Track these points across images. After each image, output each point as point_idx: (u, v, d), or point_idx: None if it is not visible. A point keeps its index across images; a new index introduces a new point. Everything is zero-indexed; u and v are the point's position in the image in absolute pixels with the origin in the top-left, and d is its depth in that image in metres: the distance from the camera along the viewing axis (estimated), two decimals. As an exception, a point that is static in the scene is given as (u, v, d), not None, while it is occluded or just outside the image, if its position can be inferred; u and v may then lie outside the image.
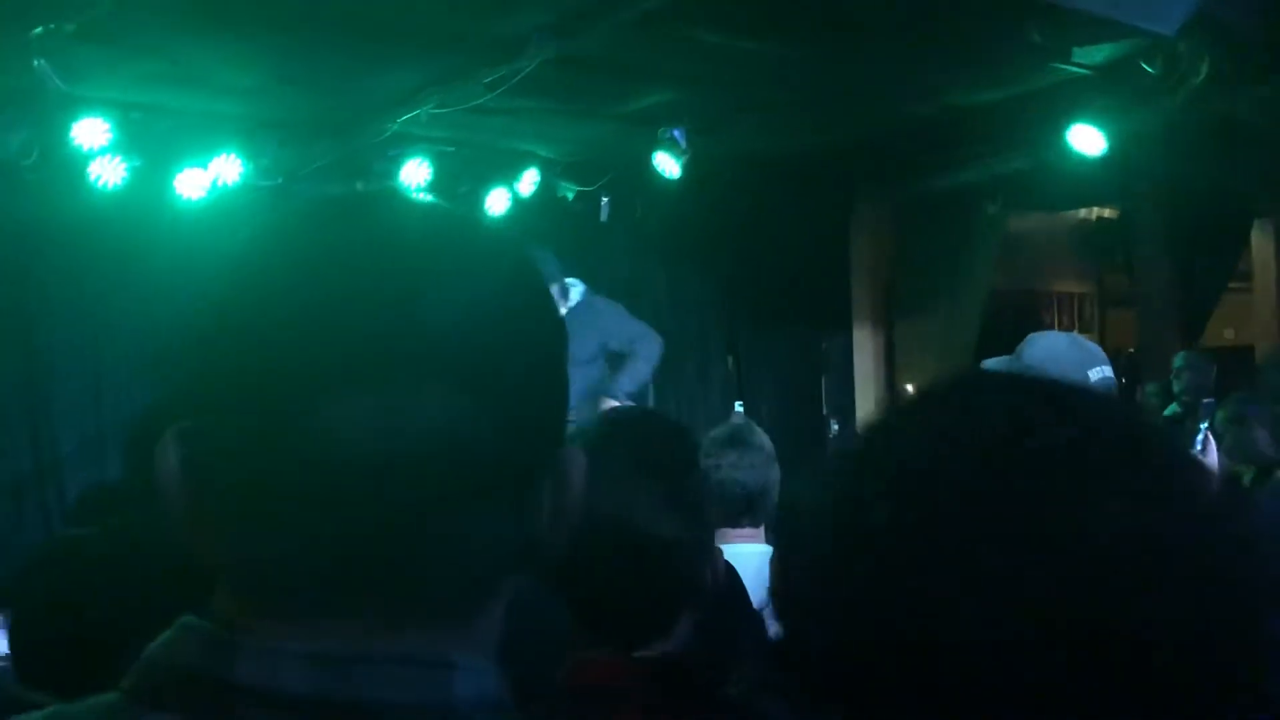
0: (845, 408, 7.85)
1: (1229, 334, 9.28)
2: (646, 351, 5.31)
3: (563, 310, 5.28)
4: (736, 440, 2.60)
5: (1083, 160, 5.88)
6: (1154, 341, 8.22)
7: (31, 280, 5.61)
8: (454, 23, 4.45)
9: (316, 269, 0.57)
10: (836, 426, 6.67)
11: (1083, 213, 9.43)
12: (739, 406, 7.79)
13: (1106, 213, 9.41)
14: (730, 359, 7.78)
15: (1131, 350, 9.52)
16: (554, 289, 5.19)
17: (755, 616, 1.98)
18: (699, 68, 5.23)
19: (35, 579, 2.16)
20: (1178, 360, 6.43)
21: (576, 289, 5.37)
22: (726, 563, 2.24)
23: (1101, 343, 9.94)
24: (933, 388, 0.71)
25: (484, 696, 0.57)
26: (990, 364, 2.59)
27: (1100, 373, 2.36)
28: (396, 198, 0.69)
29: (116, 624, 1.90)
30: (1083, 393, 0.69)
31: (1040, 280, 9.72)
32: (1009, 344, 2.51)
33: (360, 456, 0.54)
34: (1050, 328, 9.72)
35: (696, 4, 4.18)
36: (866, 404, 7.96)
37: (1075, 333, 2.51)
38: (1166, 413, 6.03)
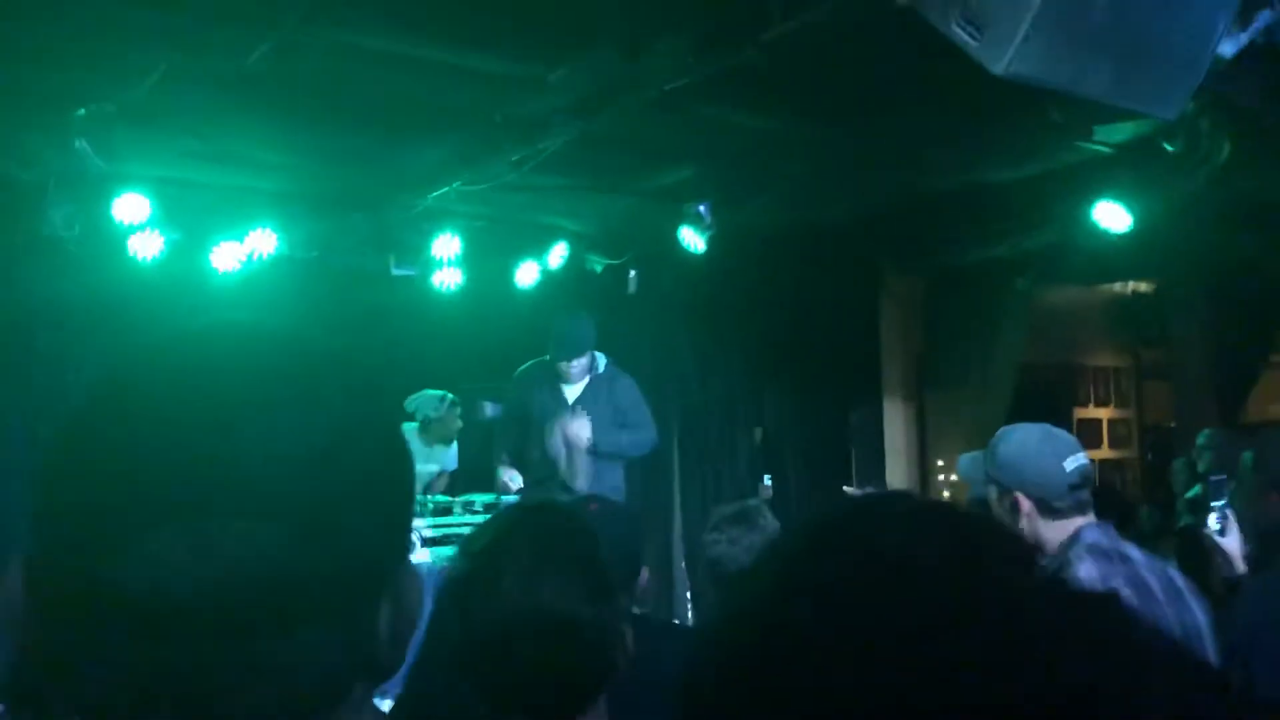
0: (875, 480, 7.79)
1: (1277, 409, 9.09)
2: (642, 441, 5.49)
3: (587, 378, 5.37)
4: (742, 519, 2.62)
5: (1111, 236, 5.87)
6: (1191, 416, 8.10)
7: (71, 351, 5.75)
8: (479, 104, 4.56)
9: (149, 402, 0.60)
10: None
11: (1118, 286, 9.37)
12: (767, 480, 7.77)
13: (1142, 286, 9.35)
14: (758, 431, 7.77)
15: (1173, 424, 9.39)
16: (585, 359, 5.30)
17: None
18: (722, 144, 5.31)
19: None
20: (1201, 438, 6.29)
21: (600, 360, 5.47)
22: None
23: (1139, 417, 9.85)
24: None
25: None
26: (965, 459, 2.59)
27: (1075, 460, 2.35)
28: (247, 328, 0.69)
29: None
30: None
31: (1076, 354, 9.63)
32: (1042, 418, 2.52)
33: (172, 589, 0.56)
34: (1086, 402, 9.62)
35: (715, 84, 4.25)
36: (897, 476, 7.90)
37: (1047, 425, 2.49)
38: (1189, 494, 5.91)
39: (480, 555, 1.25)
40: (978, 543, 0.65)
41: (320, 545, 0.59)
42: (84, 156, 4.52)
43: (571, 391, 5.39)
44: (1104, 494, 3.35)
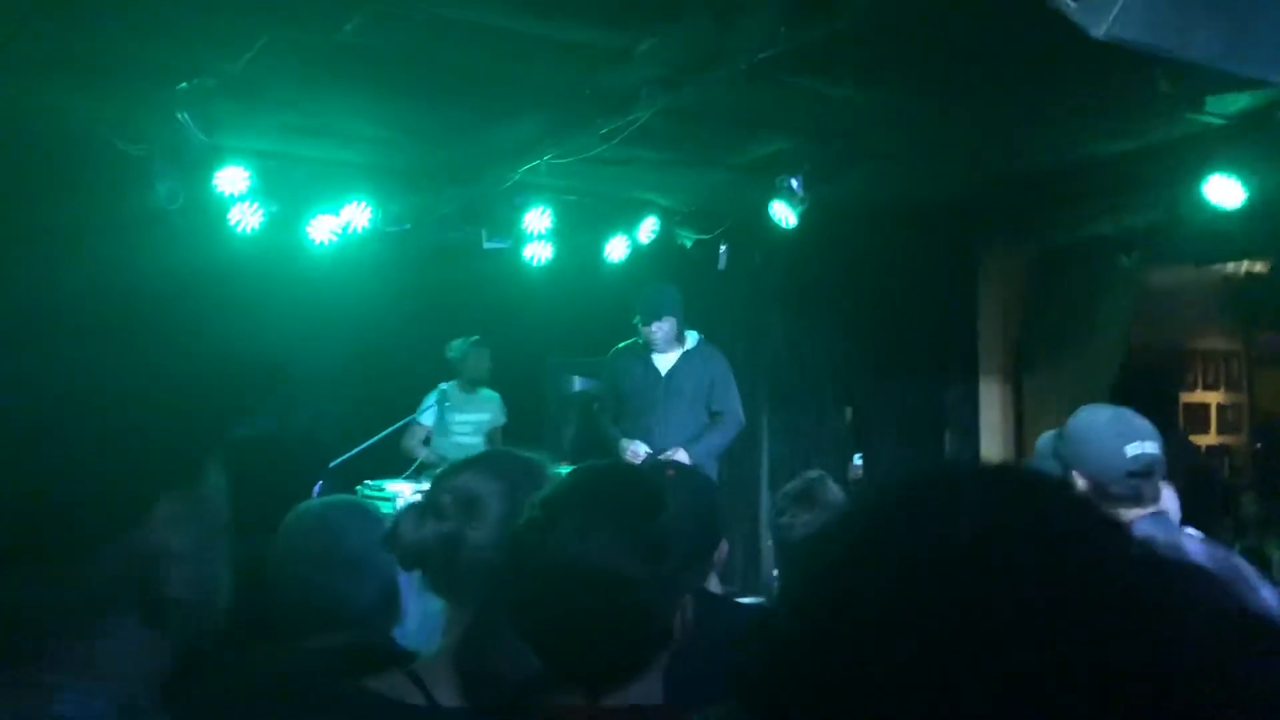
0: (970, 462, 7.63)
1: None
2: (729, 429, 5.52)
3: (679, 351, 5.38)
4: (809, 498, 2.57)
5: (1223, 213, 5.62)
6: (1307, 404, 7.75)
7: (173, 318, 5.93)
8: (568, 76, 4.56)
9: None
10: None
11: (1231, 267, 8.97)
12: (858, 459, 7.66)
13: (1257, 267, 8.95)
14: (849, 410, 7.66)
15: (1285, 413, 9.01)
16: (669, 322, 5.33)
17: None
18: (814, 117, 5.22)
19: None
20: None
21: (693, 337, 5.49)
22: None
23: (1250, 405, 9.46)
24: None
25: (88, 713, 0.65)
26: (1045, 437, 2.51)
27: (1139, 448, 2.25)
28: None
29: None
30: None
31: (1185, 337, 9.27)
32: (1146, 402, 2.44)
33: None
34: (1194, 387, 9.28)
35: (808, 55, 4.17)
36: (992, 459, 7.72)
37: (1125, 408, 2.40)
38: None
39: (540, 507, 1.24)
40: (1053, 515, 0.63)
41: (25, 494, 0.65)
42: (186, 130, 4.65)
43: (663, 363, 5.40)
44: (1201, 479, 3.22)
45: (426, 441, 6.33)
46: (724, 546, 2.40)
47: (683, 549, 1.31)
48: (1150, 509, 2.25)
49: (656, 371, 5.41)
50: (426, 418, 6.33)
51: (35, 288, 0.72)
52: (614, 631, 1.18)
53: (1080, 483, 2.26)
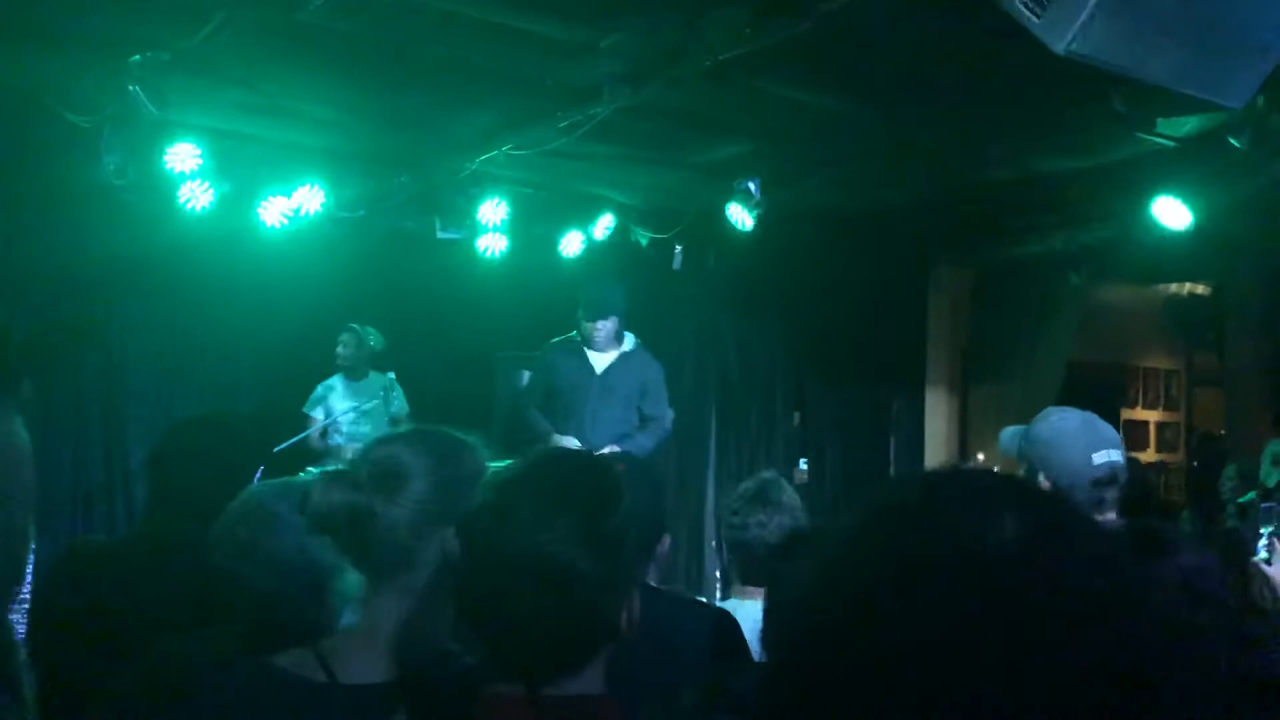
0: (913, 470, 7.71)
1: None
2: (657, 433, 5.47)
3: (616, 351, 5.33)
4: (763, 498, 2.57)
5: (1169, 234, 5.72)
6: (1241, 423, 7.93)
7: (117, 296, 5.82)
8: (530, 67, 4.53)
9: None
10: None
11: (1174, 287, 9.17)
12: (803, 464, 7.71)
13: (1199, 288, 9.15)
14: (797, 415, 7.71)
15: (1223, 431, 9.20)
16: (613, 321, 5.26)
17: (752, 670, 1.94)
18: (774, 121, 5.24)
19: (59, 578, 2.24)
20: (1275, 447, 6.08)
21: (630, 339, 5.44)
22: (728, 615, 2.22)
23: (1188, 422, 9.66)
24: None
25: None
26: (1007, 432, 2.54)
27: (1105, 456, 2.28)
28: None
29: (130, 620, 1.98)
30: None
31: (1127, 354, 9.45)
32: None
33: None
34: (1135, 404, 9.45)
35: (771, 58, 4.18)
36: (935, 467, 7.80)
37: (1091, 413, 2.44)
38: (1241, 499, 5.77)
39: (495, 492, 1.23)
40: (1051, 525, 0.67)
41: None
42: (138, 103, 4.54)
43: (599, 361, 5.36)
44: (1140, 495, 3.28)
45: (323, 435, 6.16)
46: (666, 541, 2.40)
47: (633, 544, 1.30)
48: (1110, 515, 2.28)
49: (591, 368, 5.37)
50: (317, 412, 6.18)
51: None
52: (563, 625, 1.17)
53: (1045, 485, 2.29)
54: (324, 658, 1.32)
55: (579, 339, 5.36)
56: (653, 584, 2.32)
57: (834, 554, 0.69)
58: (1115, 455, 2.31)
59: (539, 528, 1.17)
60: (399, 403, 6.21)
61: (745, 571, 2.60)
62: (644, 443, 5.36)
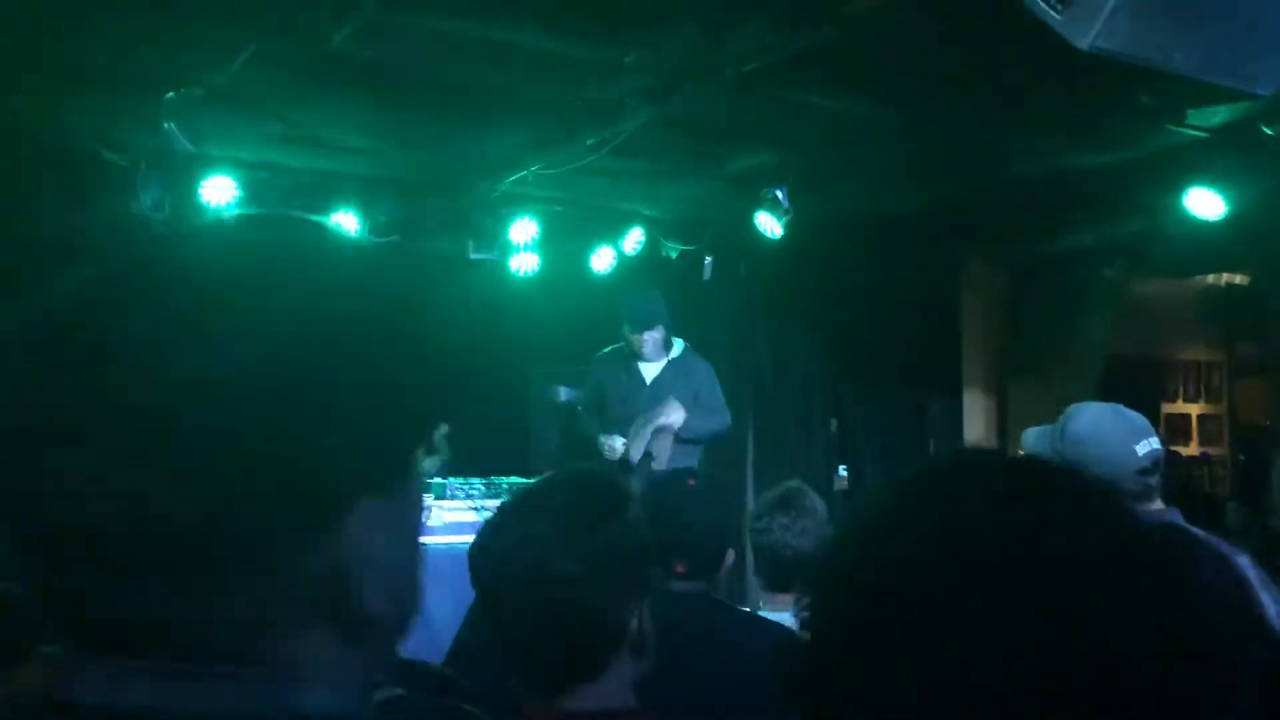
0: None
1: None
2: (719, 421, 5.52)
3: (665, 359, 5.37)
4: (788, 504, 2.58)
5: (1204, 225, 5.67)
6: (1287, 414, 7.82)
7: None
8: (555, 88, 4.57)
9: (85, 326, 0.58)
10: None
11: (1211, 278, 9.06)
12: (843, 470, 7.68)
13: (1237, 278, 9.03)
14: (834, 421, 7.68)
15: (1268, 423, 9.07)
16: (659, 330, 5.31)
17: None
18: (800, 128, 5.25)
19: None
20: None
21: (678, 345, 5.49)
22: (792, 632, 2.22)
23: (1231, 415, 9.53)
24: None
25: (331, 712, 0.58)
26: (1032, 432, 2.53)
27: (1147, 445, 2.27)
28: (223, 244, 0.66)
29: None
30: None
31: (1166, 348, 9.35)
32: None
33: (67, 518, 0.55)
34: (1175, 397, 9.34)
35: (794, 66, 4.20)
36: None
37: (1117, 404, 2.44)
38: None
39: (498, 510, 1.28)
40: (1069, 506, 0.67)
41: (210, 497, 0.55)
42: (172, 139, 4.63)
43: (649, 371, 5.39)
44: (1186, 490, 3.25)
45: None
46: (730, 556, 2.42)
47: (635, 554, 1.31)
48: (1158, 504, 2.28)
49: (642, 378, 5.39)
50: None
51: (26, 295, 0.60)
52: (556, 630, 1.20)
53: None
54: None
55: (627, 349, 5.40)
56: (717, 599, 2.34)
57: (878, 517, 0.71)
58: (1155, 443, 2.31)
59: (525, 536, 1.21)
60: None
61: (771, 577, 2.61)
62: (707, 424, 5.35)
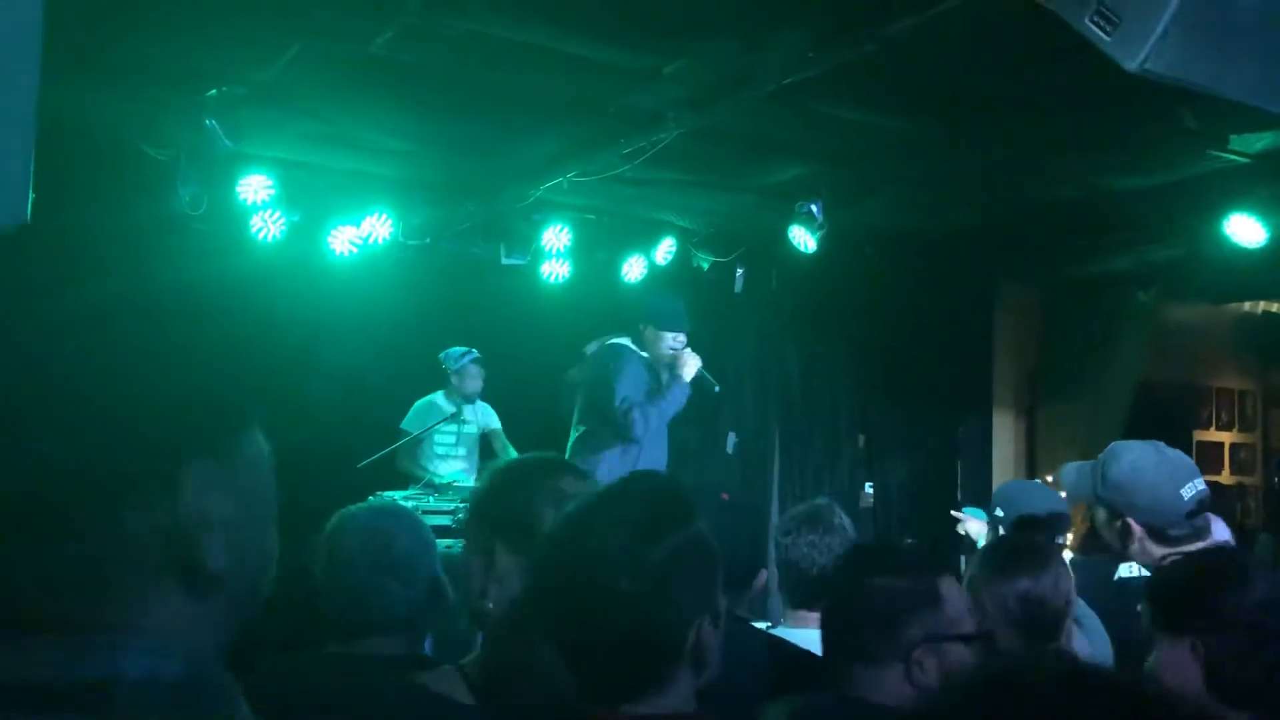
0: (981, 494, 7.59)
1: None
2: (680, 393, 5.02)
3: (673, 353, 5.01)
4: (816, 521, 2.55)
5: (1242, 251, 5.61)
6: (1322, 445, 7.71)
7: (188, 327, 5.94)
8: (594, 95, 4.57)
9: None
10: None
11: (1248, 306, 8.95)
12: (869, 488, 7.63)
13: (1274, 307, 8.92)
14: (861, 437, 7.63)
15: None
16: (676, 336, 4.97)
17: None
18: (837, 143, 5.23)
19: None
20: None
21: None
22: (781, 642, 2.19)
23: (1265, 443, 9.41)
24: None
25: (157, 673, 0.63)
26: (1070, 469, 2.48)
27: (1193, 489, 2.22)
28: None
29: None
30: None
31: (1199, 374, 9.23)
32: (1159, 439, 2.40)
33: None
34: (1208, 425, 9.23)
35: (833, 80, 4.18)
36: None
37: (1158, 443, 2.37)
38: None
39: (566, 521, 1.26)
40: None
41: (63, 457, 0.63)
42: (213, 136, 4.67)
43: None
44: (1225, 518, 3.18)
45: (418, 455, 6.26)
46: (763, 575, 2.39)
47: (692, 570, 1.29)
48: (1209, 540, 2.23)
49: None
50: (414, 428, 6.25)
51: (58, 288, 0.69)
52: (616, 644, 1.20)
53: (1136, 529, 2.24)
54: (468, 679, 1.36)
55: (636, 348, 5.02)
56: (742, 615, 2.31)
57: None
58: (1201, 485, 2.25)
59: (584, 555, 1.21)
60: (496, 422, 6.45)
61: (795, 593, 2.57)
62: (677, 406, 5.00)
